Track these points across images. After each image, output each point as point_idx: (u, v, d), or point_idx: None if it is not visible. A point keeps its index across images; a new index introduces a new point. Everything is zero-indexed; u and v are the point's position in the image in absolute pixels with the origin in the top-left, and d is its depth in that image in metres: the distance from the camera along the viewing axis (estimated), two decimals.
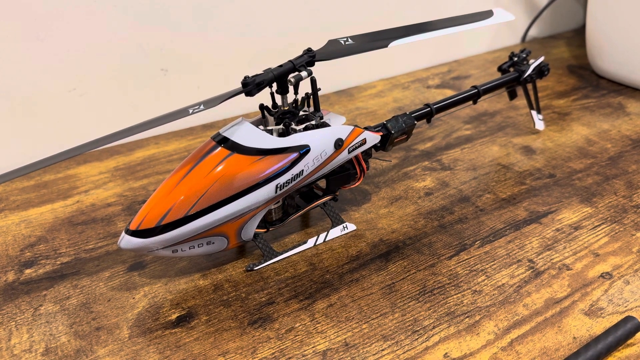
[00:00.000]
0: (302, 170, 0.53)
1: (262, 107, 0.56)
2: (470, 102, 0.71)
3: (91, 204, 0.66)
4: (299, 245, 0.57)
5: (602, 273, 0.53)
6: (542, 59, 0.76)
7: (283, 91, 0.54)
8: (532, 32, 1.19)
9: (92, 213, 0.65)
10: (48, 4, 0.72)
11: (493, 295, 0.51)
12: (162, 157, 0.77)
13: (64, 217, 0.64)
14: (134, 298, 0.52)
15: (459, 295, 0.51)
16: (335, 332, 0.48)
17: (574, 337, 0.46)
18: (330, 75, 0.77)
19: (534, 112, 0.78)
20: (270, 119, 0.56)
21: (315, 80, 0.55)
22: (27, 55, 0.73)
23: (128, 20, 0.78)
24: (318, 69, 0.55)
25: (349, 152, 0.57)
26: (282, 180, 0.52)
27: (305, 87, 0.55)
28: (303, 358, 0.45)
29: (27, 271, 0.56)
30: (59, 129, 0.78)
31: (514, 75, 0.74)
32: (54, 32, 0.74)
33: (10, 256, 0.58)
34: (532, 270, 0.54)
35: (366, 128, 0.59)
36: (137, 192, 0.68)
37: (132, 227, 0.49)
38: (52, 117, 0.77)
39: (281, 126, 0.54)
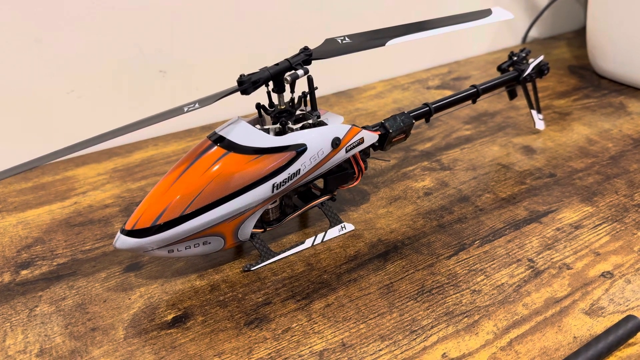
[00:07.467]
0: (299, 170, 0.53)
1: (258, 106, 0.55)
2: (470, 101, 0.70)
3: (89, 205, 0.66)
4: (297, 245, 0.57)
5: (603, 272, 0.52)
6: (541, 58, 0.75)
7: (279, 90, 0.54)
8: (533, 33, 1.19)
9: (90, 214, 0.64)
10: (46, 6, 0.72)
11: (492, 294, 0.50)
12: (160, 158, 0.76)
13: (61, 218, 0.64)
14: (129, 299, 0.52)
15: (457, 295, 0.50)
16: (332, 333, 0.47)
17: (575, 337, 0.46)
18: (329, 77, 0.77)
19: (534, 112, 0.78)
20: (267, 118, 0.55)
21: (312, 79, 0.55)
22: (25, 56, 0.73)
23: (126, 22, 0.77)
24: (317, 70, 0.55)
25: (347, 152, 0.56)
26: (278, 179, 0.52)
27: (302, 87, 0.54)
28: (300, 358, 0.45)
29: (23, 272, 0.55)
30: (57, 130, 0.78)
31: (514, 75, 0.74)
32: (52, 34, 0.74)
33: (6, 257, 0.58)
34: (532, 269, 0.53)
35: (364, 127, 0.59)
36: (134, 193, 0.68)
37: (128, 227, 0.48)
38: (50, 119, 0.77)
39: (278, 125, 0.54)
